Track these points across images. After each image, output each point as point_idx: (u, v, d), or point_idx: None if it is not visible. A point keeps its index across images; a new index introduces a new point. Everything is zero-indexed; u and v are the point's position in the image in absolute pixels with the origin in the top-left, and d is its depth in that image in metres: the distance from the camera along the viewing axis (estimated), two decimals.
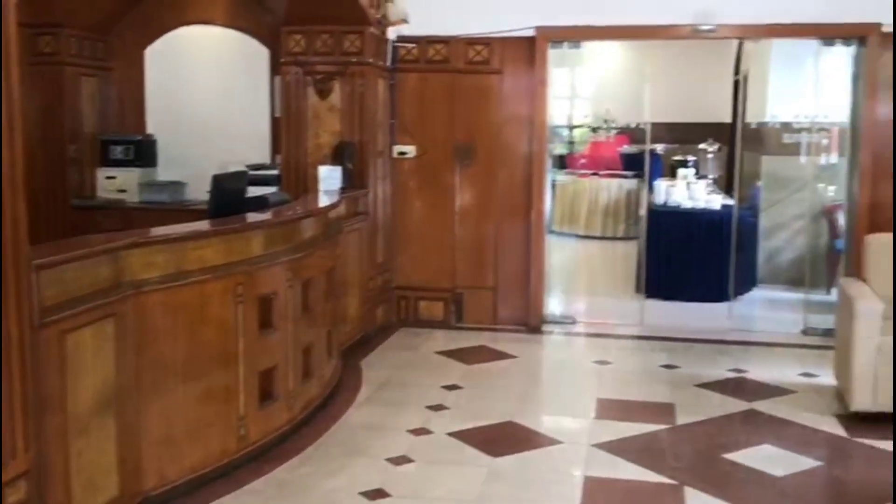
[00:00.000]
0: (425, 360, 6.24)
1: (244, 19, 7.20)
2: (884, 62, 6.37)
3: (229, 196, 5.11)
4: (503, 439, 4.73)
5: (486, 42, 6.85)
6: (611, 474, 4.29)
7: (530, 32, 6.77)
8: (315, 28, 6.44)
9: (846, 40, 6.53)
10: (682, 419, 5.05)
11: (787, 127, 8.14)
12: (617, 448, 4.59)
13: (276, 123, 6.97)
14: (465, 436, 4.73)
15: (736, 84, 10.64)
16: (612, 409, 5.24)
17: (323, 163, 6.30)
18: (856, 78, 6.58)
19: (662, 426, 4.93)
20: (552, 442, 4.70)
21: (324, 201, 5.57)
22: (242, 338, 4.17)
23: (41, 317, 3.01)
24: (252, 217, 4.66)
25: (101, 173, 7.26)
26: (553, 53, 6.89)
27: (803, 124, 7.80)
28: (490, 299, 7.08)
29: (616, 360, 6.29)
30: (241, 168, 6.19)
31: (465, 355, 6.34)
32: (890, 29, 6.26)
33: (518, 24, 6.74)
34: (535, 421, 5.10)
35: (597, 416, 5.15)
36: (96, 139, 7.29)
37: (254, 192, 5.59)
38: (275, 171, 6.73)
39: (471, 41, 6.87)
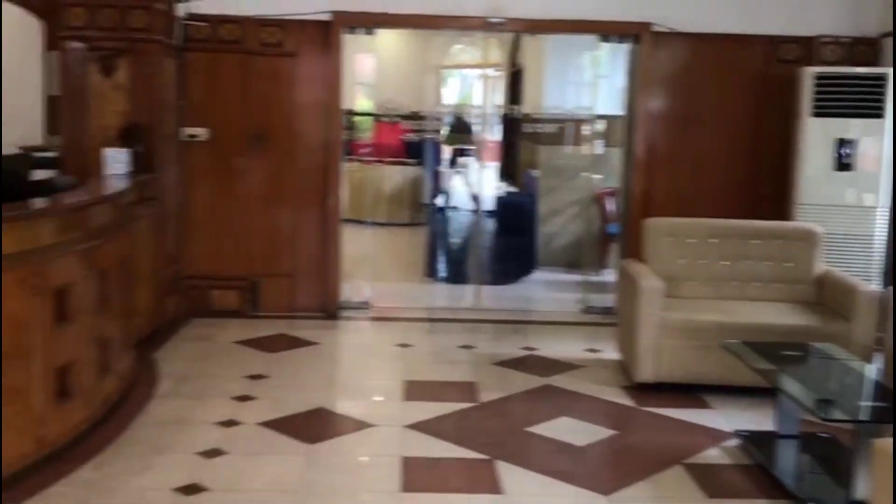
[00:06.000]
0: (224, 351, 6.05)
1: None
2: (657, 59, 6.89)
3: (12, 180, 4.70)
4: (316, 426, 4.69)
5: (280, 24, 6.71)
6: (426, 453, 4.38)
7: (327, 16, 6.71)
8: (97, 0, 6.04)
9: (622, 37, 7.00)
10: (485, 397, 5.24)
11: (561, 118, 8.59)
12: (429, 428, 4.69)
13: (52, 103, 6.43)
14: (276, 425, 4.64)
15: (512, 76, 11.10)
16: (419, 391, 5.34)
17: (109, 145, 5.92)
18: (631, 73, 7.07)
19: (468, 404, 5.10)
20: (366, 426, 4.72)
21: (114, 186, 5.25)
22: (38, 332, 3.86)
23: None
24: (43, 202, 4.31)
25: None
26: (346, 39, 6.87)
27: (577, 116, 8.24)
28: (287, 286, 6.96)
29: (416, 343, 6.41)
30: (15, 150, 5.68)
31: (265, 344, 6.20)
32: (660, 28, 6.79)
33: (314, 7, 6.66)
34: (346, 406, 5.11)
35: (405, 397, 5.23)
36: None
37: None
38: (52, 154, 6.22)
39: (264, 22, 6.70)
